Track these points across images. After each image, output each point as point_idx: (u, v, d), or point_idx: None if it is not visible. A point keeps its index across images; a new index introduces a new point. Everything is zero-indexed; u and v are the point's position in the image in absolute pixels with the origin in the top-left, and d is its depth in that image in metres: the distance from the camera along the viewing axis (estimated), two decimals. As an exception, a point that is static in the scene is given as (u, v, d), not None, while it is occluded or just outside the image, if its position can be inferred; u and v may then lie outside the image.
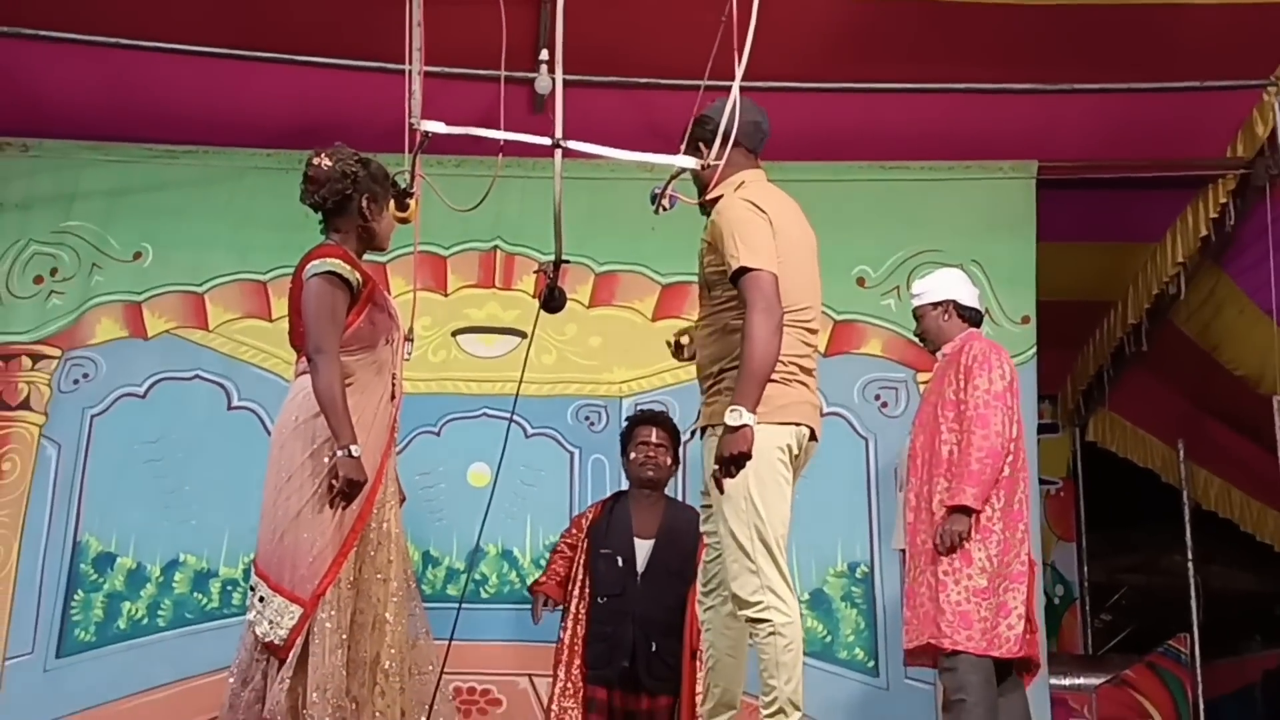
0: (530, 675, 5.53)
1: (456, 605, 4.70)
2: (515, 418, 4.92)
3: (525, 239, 5.98)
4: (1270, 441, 6.20)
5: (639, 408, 5.62)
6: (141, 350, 5.86)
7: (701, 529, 4.03)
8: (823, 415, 3.97)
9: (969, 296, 4.88)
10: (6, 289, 5.88)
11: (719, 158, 3.79)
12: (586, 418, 5.91)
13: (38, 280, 5.91)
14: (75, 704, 5.37)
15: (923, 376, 5.65)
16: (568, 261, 4.09)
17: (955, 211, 6.07)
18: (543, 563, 5.54)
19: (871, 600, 5.73)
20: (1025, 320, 5.99)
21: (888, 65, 5.49)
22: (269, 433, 4.18)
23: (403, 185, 4.10)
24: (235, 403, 5.81)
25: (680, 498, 5.44)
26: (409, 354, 4.19)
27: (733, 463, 3.57)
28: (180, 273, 5.96)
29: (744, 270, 3.68)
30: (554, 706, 5.03)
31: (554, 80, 4.09)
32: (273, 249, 5.80)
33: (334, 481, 3.76)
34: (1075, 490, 8.49)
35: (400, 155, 4.10)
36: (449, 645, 4.14)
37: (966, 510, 4.49)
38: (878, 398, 5.95)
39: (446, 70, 4.77)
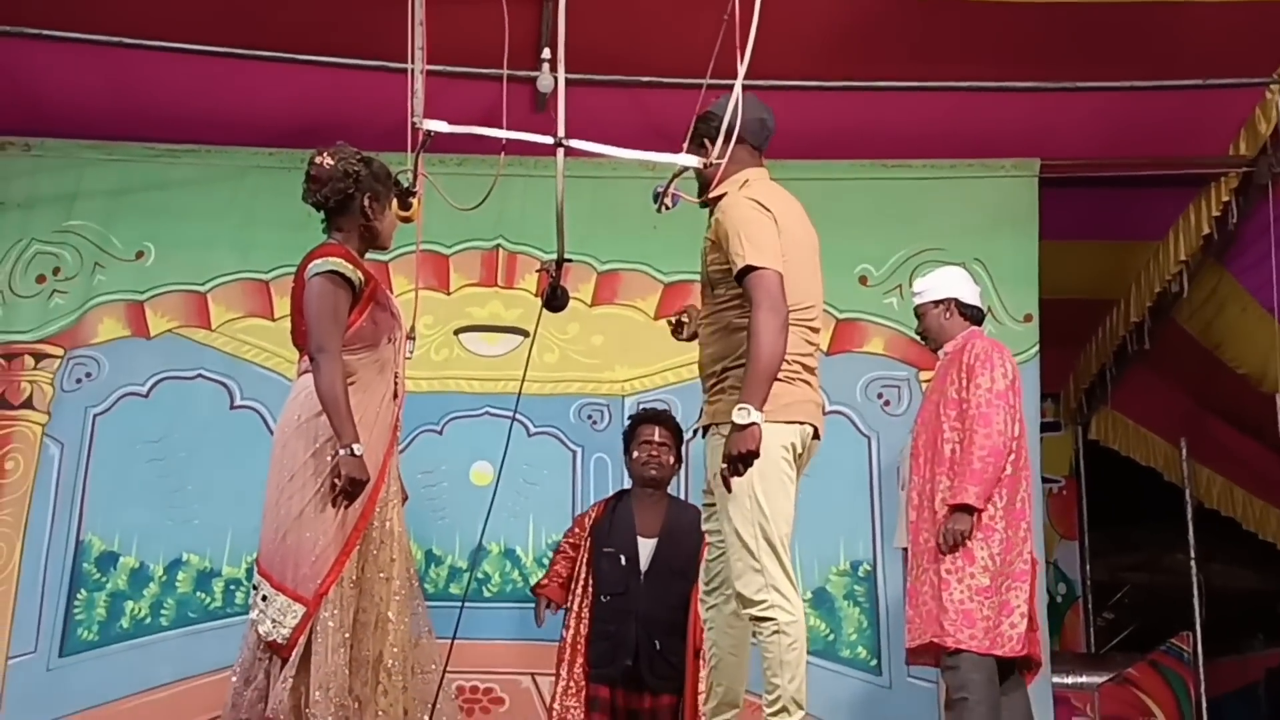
0: (533, 674, 5.54)
1: (459, 604, 4.71)
2: (518, 416, 4.93)
3: (527, 238, 5.98)
4: (1272, 440, 6.20)
5: (641, 406, 5.63)
6: (144, 349, 5.87)
7: (703, 527, 4.03)
8: (825, 414, 3.97)
9: (970, 295, 4.88)
10: (9, 288, 5.89)
11: (723, 155, 3.79)
12: (589, 416, 5.91)
13: (40, 279, 5.92)
14: (78, 703, 5.38)
15: (925, 375, 5.65)
16: (570, 260, 4.09)
17: (957, 210, 6.07)
18: (545, 561, 5.55)
19: (874, 599, 5.74)
20: (1028, 319, 5.99)
21: (890, 64, 5.49)
22: (271, 432, 4.18)
23: (405, 184, 4.11)
24: (238, 402, 5.81)
25: (682, 496, 5.44)
26: (411, 353, 4.20)
27: (741, 461, 3.57)
28: (182, 272, 5.96)
29: (750, 269, 3.67)
30: (556, 705, 5.03)
31: (556, 79, 4.08)
32: (275, 248, 5.81)
33: (336, 480, 3.76)
34: (1078, 488, 8.49)
35: (402, 154, 4.10)
36: (451, 644, 4.14)
37: (969, 509, 4.48)
38: (880, 396, 5.96)
39: (449, 69, 4.76)
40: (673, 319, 4.31)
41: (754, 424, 3.55)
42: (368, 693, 3.83)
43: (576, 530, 5.30)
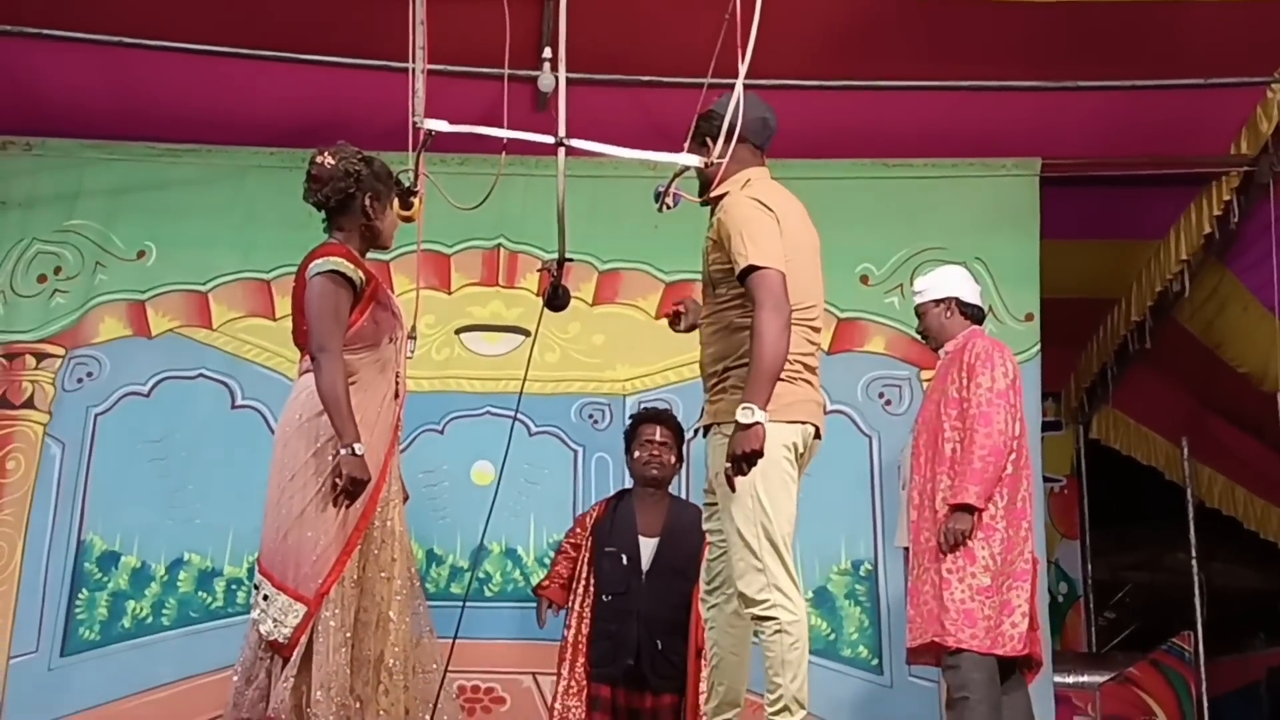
0: (534, 673, 5.53)
1: (460, 603, 4.72)
2: (519, 416, 4.92)
3: (528, 237, 5.98)
4: (1274, 439, 6.21)
5: (643, 406, 5.63)
6: (145, 349, 5.87)
7: (704, 527, 4.03)
8: (826, 413, 3.97)
9: (971, 294, 4.88)
10: (10, 288, 5.89)
11: (724, 154, 3.78)
12: (590, 416, 5.91)
13: (41, 279, 5.91)
14: (79, 703, 5.39)
15: (926, 374, 5.65)
16: (571, 259, 4.09)
17: (959, 209, 6.07)
18: (546, 561, 5.55)
19: (875, 598, 5.73)
20: (1029, 318, 5.99)
21: (890, 63, 5.49)
22: (273, 431, 4.19)
23: (406, 184, 4.11)
24: (239, 402, 5.81)
25: (684, 496, 5.44)
26: (412, 352, 4.20)
27: (745, 460, 3.57)
28: (184, 271, 5.96)
29: (752, 269, 3.67)
30: (558, 705, 5.03)
31: (557, 78, 4.08)
32: (276, 247, 5.81)
33: (338, 480, 3.76)
34: (1079, 488, 8.49)
35: (404, 154, 4.11)
36: (453, 643, 4.15)
37: (969, 508, 4.48)
38: (881, 395, 5.95)
39: (450, 68, 4.76)
40: (670, 311, 4.30)
41: (758, 423, 3.55)
42: (369, 692, 3.84)
43: (577, 530, 5.30)
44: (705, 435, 3.94)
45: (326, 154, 4.00)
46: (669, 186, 3.96)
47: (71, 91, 5.67)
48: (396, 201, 4.09)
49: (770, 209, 3.78)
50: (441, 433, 5.83)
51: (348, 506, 3.80)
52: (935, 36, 5.32)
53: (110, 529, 5.64)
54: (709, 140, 3.88)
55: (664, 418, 5.29)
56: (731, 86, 3.76)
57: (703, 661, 4.66)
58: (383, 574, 3.90)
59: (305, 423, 3.87)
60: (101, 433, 5.74)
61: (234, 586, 5.59)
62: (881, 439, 5.88)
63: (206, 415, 5.79)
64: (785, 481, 3.73)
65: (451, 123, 3.96)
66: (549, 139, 3.88)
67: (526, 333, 5.71)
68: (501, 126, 4.01)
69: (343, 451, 3.75)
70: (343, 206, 4.01)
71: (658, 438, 5.22)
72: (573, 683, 5.01)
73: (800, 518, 3.80)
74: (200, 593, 5.60)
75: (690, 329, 4.20)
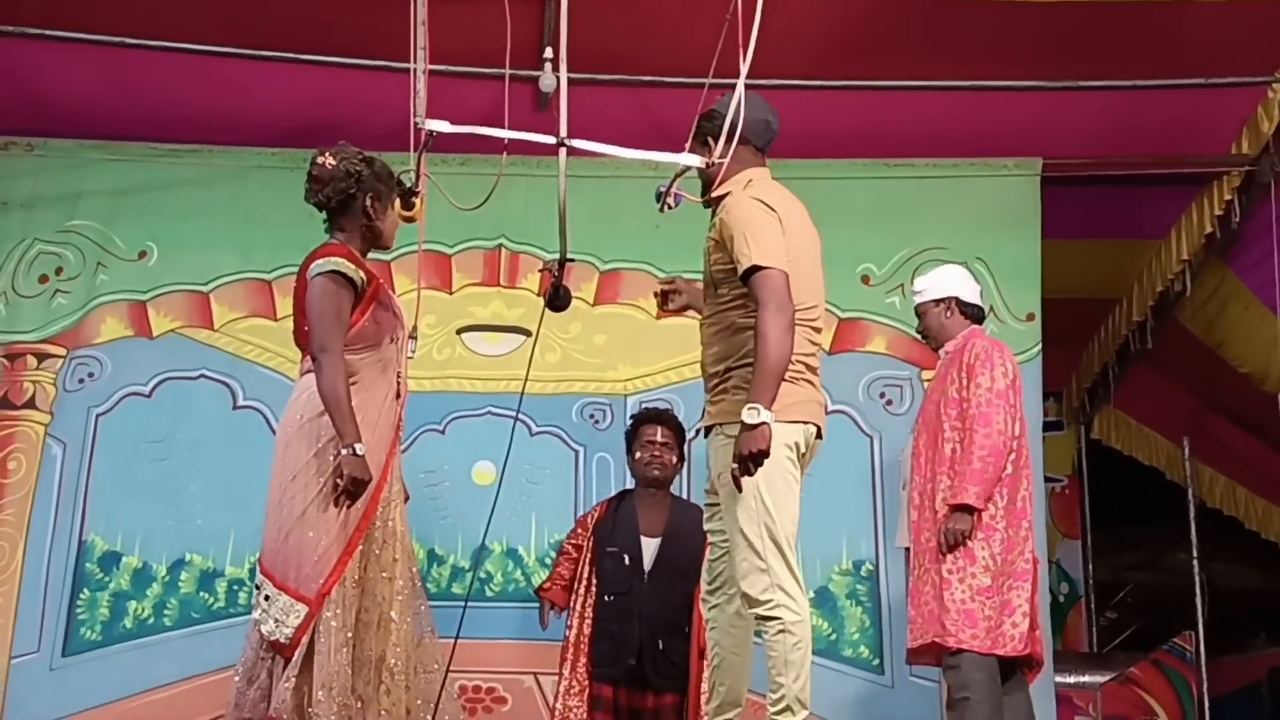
0: (535, 673, 5.54)
1: (462, 604, 4.71)
2: (520, 416, 4.92)
3: (530, 237, 5.99)
4: (1275, 439, 6.21)
5: (643, 405, 5.63)
6: (147, 349, 5.87)
7: (705, 527, 4.03)
8: (827, 413, 3.97)
9: (971, 293, 4.88)
10: (12, 288, 5.89)
11: (725, 154, 3.79)
12: (591, 416, 5.91)
13: (43, 279, 5.92)
14: (81, 703, 5.39)
15: (927, 374, 5.64)
16: (572, 260, 4.10)
17: (960, 209, 6.07)
18: (548, 561, 5.55)
19: (876, 598, 5.73)
20: (1030, 317, 5.99)
21: (892, 63, 5.49)
22: (274, 432, 4.19)
23: (408, 184, 4.11)
24: (240, 402, 5.81)
25: (685, 496, 5.44)
26: (413, 352, 4.20)
27: (751, 460, 3.57)
28: (185, 272, 5.96)
29: (755, 269, 3.67)
30: (559, 705, 5.03)
31: (558, 78, 4.09)
32: (277, 248, 5.81)
33: (339, 480, 3.76)
34: (1080, 488, 8.50)
35: (405, 154, 4.11)
36: (454, 643, 4.15)
37: (969, 509, 4.48)
38: (882, 395, 5.95)
39: (451, 69, 4.77)
40: (658, 289, 4.27)
41: (764, 423, 3.55)
42: (370, 692, 3.84)
43: (579, 531, 5.30)
44: (706, 435, 3.94)
45: (327, 154, 4.00)
46: (670, 186, 3.96)
47: (73, 92, 5.68)
48: (398, 202, 4.10)
49: (773, 209, 3.78)
50: (443, 433, 5.83)
51: (349, 507, 3.80)
52: (936, 36, 5.32)
53: (112, 529, 5.64)
54: (710, 140, 3.87)
55: (665, 418, 5.29)
56: (733, 86, 3.76)
57: (704, 661, 4.66)
58: (384, 574, 3.90)
59: (306, 423, 3.87)
60: (103, 433, 5.75)
61: (235, 587, 5.59)
62: (883, 439, 5.88)
63: (208, 416, 5.79)
64: (788, 482, 3.73)
65: (453, 123, 3.97)
66: (550, 139, 3.88)
67: (528, 333, 5.72)
68: (503, 127, 4.01)
69: (344, 452, 3.75)
70: (344, 207, 4.01)
71: (659, 438, 5.21)
72: (574, 683, 5.01)
73: (801, 518, 3.80)
74: (202, 593, 5.60)
75: (682, 309, 4.19)
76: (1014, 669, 4.60)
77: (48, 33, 5.28)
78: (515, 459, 4.64)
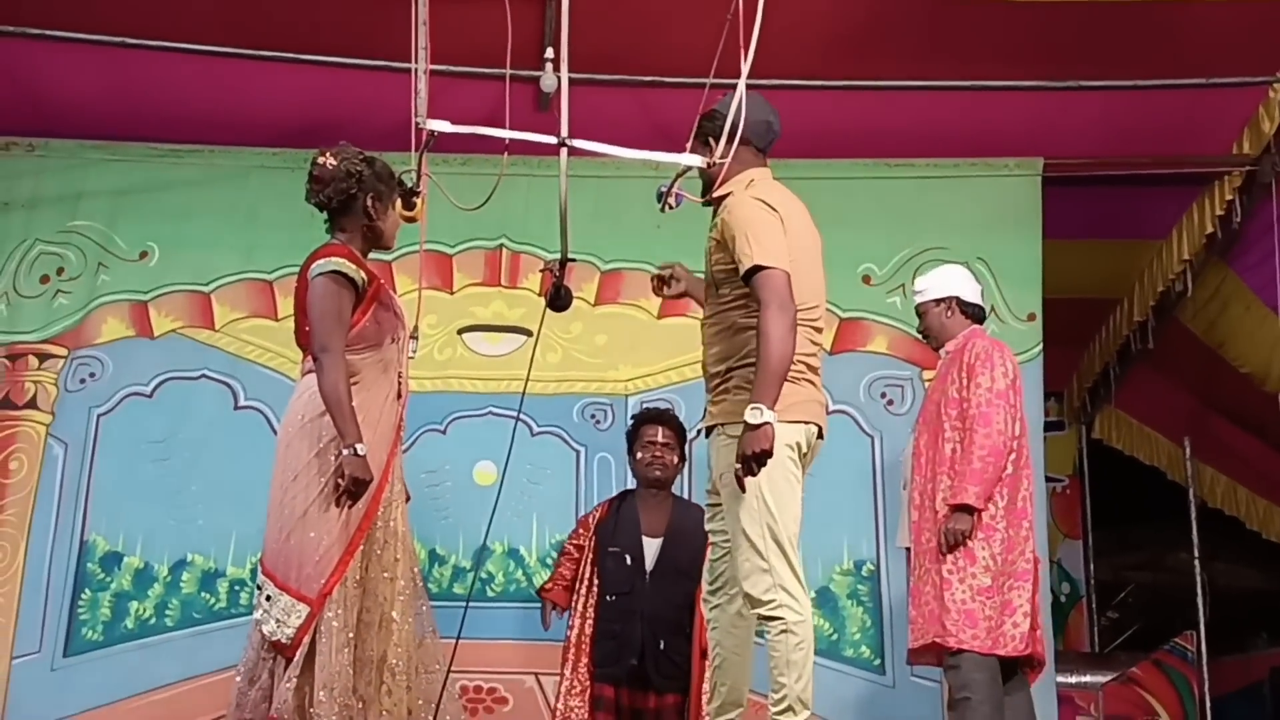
0: (537, 674, 5.54)
1: (463, 604, 4.71)
2: (521, 416, 4.92)
3: (531, 237, 5.99)
4: (1276, 439, 6.20)
5: (644, 405, 5.62)
6: (148, 349, 5.87)
7: (706, 527, 4.03)
8: (828, 413, 3.97)
9: (972, 293, 4.88)
10: (13, 288, 5.89)
11: (725, 154, 3.79)
12: (592, 416, 5.91)
13: (44, 280, 5.92)
14: (82, 703, 5.39)
15: (928, 374, 5.64)
16: (573, 260, 4.09)
17: (961, 209, 6.06)
18: (549, 561, 5.55)
19: (877, 598, 5.73)
20: (1031, 317, 5.98)
21: (893, 63, 5.49)
22: (275, 432, 4.19)
23: (409, 184, 4.11)
24: (242, 402, 5.82)
25: (686, 496, 5.44)
26: (414, 352, 4.19)
27: (755, 460, 3.57)
28: (186, 272, 5.96)
29: (757, 269, 3.67)
30: (560, 705, 5.03)
31: (559, 79, 4.09)
32: (278, 248, 5.81)
33: (340, 480, 3.76)
34: (1081, 488, 8.50)
35: (406, 154, 4.11)
36: (456, 644, 4.15)
37: (968, 509, 4.48)
38: (883, 395, 5.95)
39: (452, 69, 4.77)
40: (656, 275, 4.24)
41: (767, 423, 3.55)
42: (371, 692, 3.84)
43: (580, 531, 5.30)
44: (708, 436, 3.94)
45: (328, 155, 4.00)
46: (671, 187, 3.96)
47: (74, 92, 5.68)
48: (399, 202, 4.10)
49: (774, 209, 3.78)
50: (444, 433, 5.83)
51: (350, 507, 3.80)
52: (937, 36, 5.32)
53: (113, 529, 5.64)
54: (711, 140, 3.88)
55: (665, 418, 5.29)
56: (734, 87, 3.76)
57: (706, 662, 4.66)
58: (385, 574, 3.90)
59: (308, 423, 3.87)
60: (104, 433, 5.75)
61: (237, 587, 5.59)
62: (884, 439, 5.87)
63: (209, 416, 5.79)
64: (790, 482, 3.73)
65: (454, 123, 3.97)
66: (551, 139, 3.88)
67: (529, 333, 5.72)
68: (504, 127, 4.02)
69: (345, 452, 3.75)
70: (345, 207, 4.01)
71: (660, 439, 5.21)
72: (576, 683, 5.01)
73: (803, 518, 3.80)
74: (203, 593, 5.60)
75: (679, 296, 4.19)
76: (1015, 669, 4.60)
77: (48, 33, 5.28)
78: (516, 459, 4.64)
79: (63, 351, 5.84)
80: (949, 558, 4.49)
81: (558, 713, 5.02)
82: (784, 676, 3.65)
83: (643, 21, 5.20)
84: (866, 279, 6.04)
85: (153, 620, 5.57)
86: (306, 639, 3.75)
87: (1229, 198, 5.96)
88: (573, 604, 5.15)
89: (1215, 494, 7.99)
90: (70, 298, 5.90)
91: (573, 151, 3.88)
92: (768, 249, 3.68)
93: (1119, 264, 6.89)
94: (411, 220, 4.15)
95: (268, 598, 3.82)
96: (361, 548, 3.86)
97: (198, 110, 5.77)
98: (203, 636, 5.52)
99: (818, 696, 3.78)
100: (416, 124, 4.01)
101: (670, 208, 3.98)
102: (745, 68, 3.71)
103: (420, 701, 3.95)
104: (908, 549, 5.01)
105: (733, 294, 3.82)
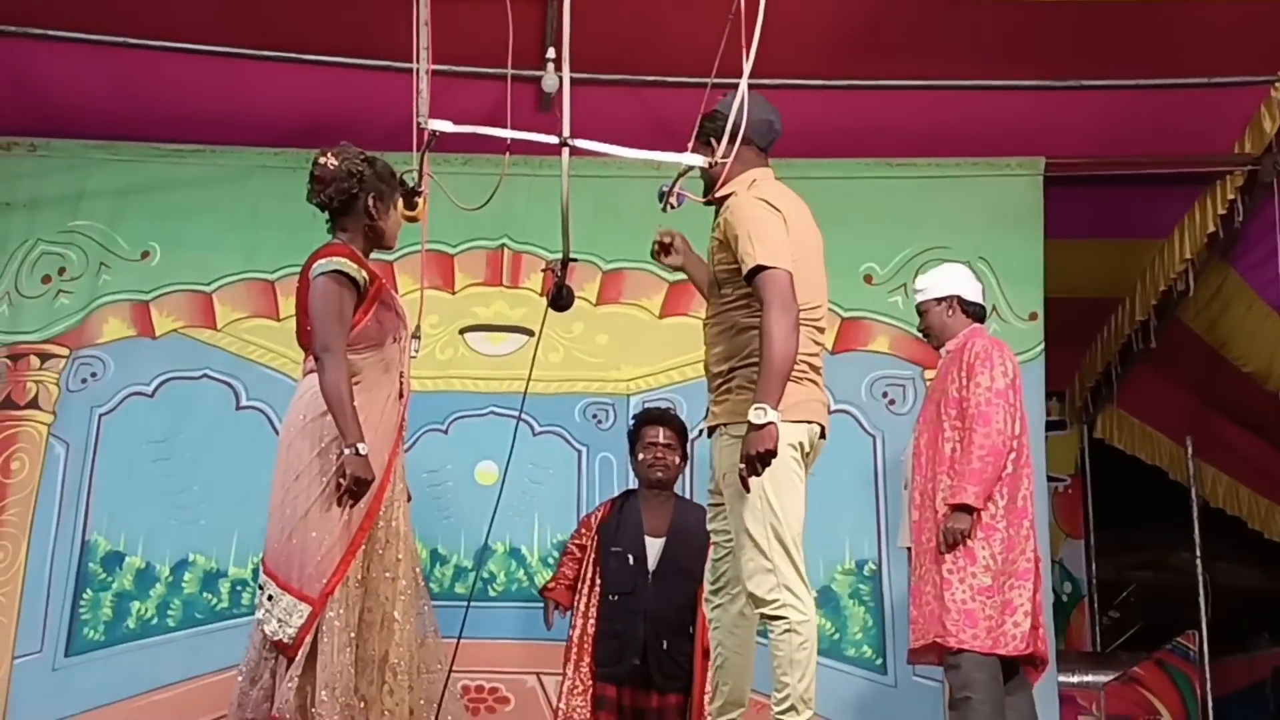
0: (538, 673, 5.54)
1: (465, 603, 4.71)
2: (523, 416, 4.92)
3: (532, 237, 5.99)
4: (1278, 438, 6.20)
5: (646, 405, 5.62)
6: (149, 349, 5.87)
7: (708, 527, 4.03)
8: (830, 413, 3.97)
9: (973, 292, 4.87)
10: (15, 288, 5.89)
11: (728, 154, 3.79)
12: (594, 415, 5.91)
13: (46, 280, 5.92)
14: (84, 703, 5.39)
15: (929, 373, 5.63)
16: (575, 259, 4.09)
17: (962, 208, 6.06)
18: (550, 560, 5.55)
19: (879, 598, 5.73)
20: (1033, 317, 5.98)
21: (894, 62, 5.49)
22: (277, 432, 4.19)
23: (410, 184, 4.11)
24: (243, 402, 5.81)
25: (688, 496, 5.44)
26: (415, 352, 4.20)
27: (759, 460, 3.57)
28: (188, 272, 5.96)
29: (760, 268, 3.67)
30: (562, 705, 5.03)
31: (561, 78, 4.09)
32: (280, 248, 5.81)
33: (342, 480, 3.76)
34: (1083, 487, 8.50)
35: (407, 154, 4.11)
36: (457, 643, 4.15)
37: (968, 508, 4.48)
38: (885, 395, 5.95)
39: (453, 69, 4.77)
40: (657, 240, 4.20)
41: (771, 423, 3.55)
42: (373, 692, 3.84)
43: (583, 531, 5.30)
44: (710, 435, 3.94)
45: (329, 155, 4.00)
46: (673, 186, 3.96)
47: (76, 92, 5.68)
48: (401, 202, 4.10)
49: (776, 208, 3.78)
50: (445, 433, 5.83)
51: (352, 506, 3.80)
52: (939, 36, 5.31)
53: (114, 529, 5.64)
54: (713, 140, 3.88)
55: (667, 418, 5.29)
56: (735, 86, 3.76)
57: (708, 661, 4.66)
58: (387, 574, 3.90)
59: (309, 423, 3.87)
60: (106, 433, 5.75)
61: (239, 587, 5.59)
62: (885, 438, 5.87)
63: (211, 416, 5.79)
64: (794, 481, 3.74)
65: (455, 123, 3.97)
66: (553, 139, 3.89)
67: (530, 333, 5.72)
68: (505, 127, 4.02)
69: (346, 451, 3.75)
70: (346, 207, 4.02)
71: (661, 439, 5.21)
72: (578, 682, 5.01)
73: (805, 517, 3.80)
74: (205, 593, 5.60)
75: (678, 268, 4.18)
76: (1016, 668, 4.60)
77: (50, 33, 5.28)
78: (518, 459, 4.64)
79: (64, 351, 5.84)
80: (949, 557, 4.49)
81: (560, 712, 5.03)
82: (787, 676, 3.65)
83: (644, 21, 5.20)
84: (868, 278, 6.04)
85: (154, 620, 5.57)
86: (308, 639, 3.76)
87: (1230, 197, 5.96)
88: (575, 604, 5.15)
89: (1217, 494, 7.99)
90: (72, 298, 5.90)
91: (574, 151, 3.89)
92: (770, 249, 3.68)
93: (1121, 263, 6.89)
94: (413, 220, 4.15)
95: (270, 597, 3.82)
96: (363, 547, 3.86)
97: (199, 110, 5.77)
98: (204, 636, 5.52)
99: (819, 696, 3.78)
100: (418, 124, 4.01)
101: (672, 208, 3.98)
102: (747, 67, 3.71)
103: (422, 701, 3.95)
104: (909, 549, 5.01)
105: (735, 294, 3.82)
